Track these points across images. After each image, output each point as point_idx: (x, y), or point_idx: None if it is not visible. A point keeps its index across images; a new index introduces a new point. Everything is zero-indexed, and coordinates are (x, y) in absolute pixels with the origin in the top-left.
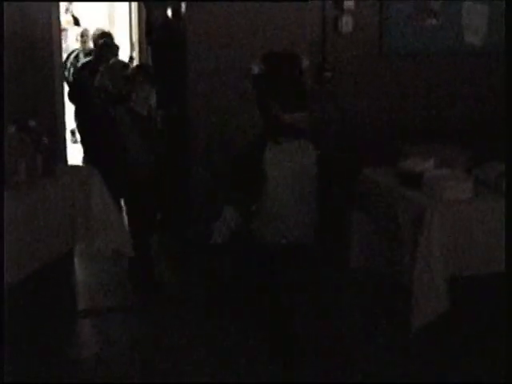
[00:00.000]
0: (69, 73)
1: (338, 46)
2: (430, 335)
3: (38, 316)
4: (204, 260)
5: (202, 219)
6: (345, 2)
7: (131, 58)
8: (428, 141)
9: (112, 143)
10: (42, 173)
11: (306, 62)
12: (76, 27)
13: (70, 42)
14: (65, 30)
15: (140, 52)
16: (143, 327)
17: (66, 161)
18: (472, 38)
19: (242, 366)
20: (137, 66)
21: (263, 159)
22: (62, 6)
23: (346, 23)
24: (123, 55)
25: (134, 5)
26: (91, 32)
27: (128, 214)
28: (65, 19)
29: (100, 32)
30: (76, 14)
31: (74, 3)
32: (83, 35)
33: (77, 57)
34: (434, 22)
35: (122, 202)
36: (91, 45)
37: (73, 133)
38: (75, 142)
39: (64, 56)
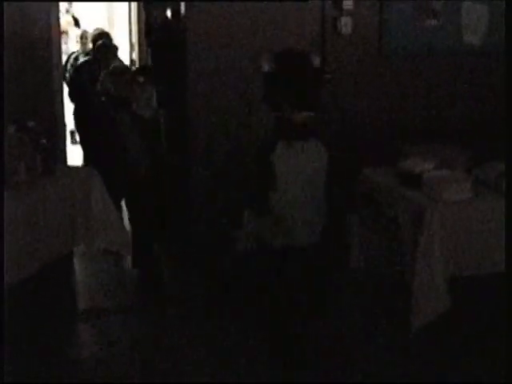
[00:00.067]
0: (69, 74)
1: (338, 46)
2: (429, 335)
3: (38, 316)
4: (204, 260)
5: (202, 219)
6: (344, 3)
7: (132, 62)
8: (428, 141)
9: (112, 143)
10: (41, 173)
11: (317, 60)
12: (76, 28)
13: (71, 45)
14: (66, 32)
15: (140, 53)
16: (143, 327)
17: (65, 161)
18: (472, 38)
19: (242, 366)
20: (137, 67)
21: (273, 158)
22: (63, 6)
23: (346, 24)
24: (123, 56)
25: (134, 5)
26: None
27: (128, 214)
28: (65, 20)
29: (98, 32)
30: (76, 15)
31: (74, 4)
32: (82, 37)
33: (77, 58)
34: (433, 22)
35: (123, 203)
36: (91, 46)
37: (72, 134)
38: (75, 143)
39: (64, 58)
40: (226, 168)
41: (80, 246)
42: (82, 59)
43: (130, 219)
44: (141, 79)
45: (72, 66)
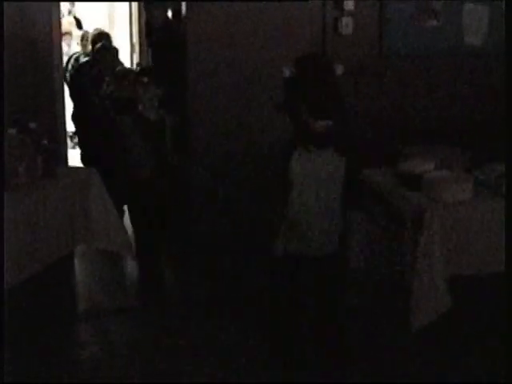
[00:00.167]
0: (70, 75)
1: (339, 46)
2: (429, 335)
3: (38, 316)
4: (204, 260)
5: (201, 219)
6: (345, 3)
7: (138, 64)
8: (428, 141)
9: (114, 145)
10: (42, 174)
11: (339, 69)
12: (78, 29)
13: (74, 46)
14: (69, 33)
15: (140, 53)
16: (143, 327)
17: (66, 162)
18: (472, 39)
19: (242, 366)
20: (140, 68)
21: (290, 165)
22: (65, 7)
23: (346, 24)
24: (124, 56)
25: (134, 6)
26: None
27: (130, 214)
28: (67, 21)
29: (97, 32)
30: (78, 16)
31: (76, 5)
32: (83, 38)
33: (77, 59)
34: (434, 22)
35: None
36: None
37: (71, 137)
38: (74, 147)
39: (65, 59)
40: (225, 168)
41: (80, 246)
42: (82, 60)
43: (131, 220)
44: (145, 80)
45: (73, 66)
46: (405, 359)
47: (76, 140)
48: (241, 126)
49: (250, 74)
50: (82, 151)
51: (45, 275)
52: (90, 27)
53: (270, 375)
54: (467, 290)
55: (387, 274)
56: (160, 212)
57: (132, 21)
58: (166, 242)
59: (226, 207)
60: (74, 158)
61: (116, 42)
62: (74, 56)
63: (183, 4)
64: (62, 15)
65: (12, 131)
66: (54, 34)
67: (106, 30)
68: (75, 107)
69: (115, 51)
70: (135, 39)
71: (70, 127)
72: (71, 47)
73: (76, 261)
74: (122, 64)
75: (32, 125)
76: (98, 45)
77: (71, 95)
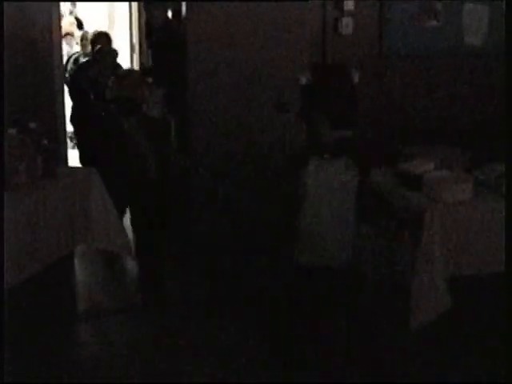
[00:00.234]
0: (69, 75)
1: (339, 46)
2: (429, 335)
3: (38, 316)
4: (204, 260)
5: (202, 219)
6: (345, 3)
7: (146, 69)
8: (428, 141)
9: (115, 146)
10: (42, 174)
11: (356, 75)
12: (78, 30)
13: (75, 47)
14: (71, 34)
15: (140, 53)
16: (143, 327)
17: (66, 162)
18: (472, 39)
19: (242, 366)
20: (143, 69)
21: (303, 174)
22: (66, 8)
23: (347, 25)
24: (124, 57)
25: (134, 6)
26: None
27: (131, 215)
28: (68, 21)
29: (97, 32)
30: (79, 17)
31: (78, 6)
32: (83, 38)
33: (77, 59)
34: (434, 22)
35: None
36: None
37: (71, 138)
38: (74, 147)
39: (65, 59)
40: (225, 168)
41: (80, 246)
42: (82, 60)
43: (132, 220)
44: (149, 80)
45: (72, 67)
46: (405, 359)
47: (75, 141)
48: (241, 126)
49: (249, 74)
50: (80, 152)
51: (45, 275)
52: (90, 27)
53: (270, 375)
54: (467, 289)
55: (387, 274)
56: (160, 212)
57: (132, 21)
58: (166, 241)
59: (226, 207)
60: (74, 158)
61: (116, 42)
62: (74, 56)
63: (183, 4)
64: (62, 15)
65: (12, 131)
66: (54, 34)
67: (106, 30)
68: (74, 108)
69: (115, 53)
70: (135, 39)
71: (70, 127)
72: (73, 48)
73: (76, 261)
74: (120, 67)
75: (32, 125)
76: (97, 47)
77: (70, 95)
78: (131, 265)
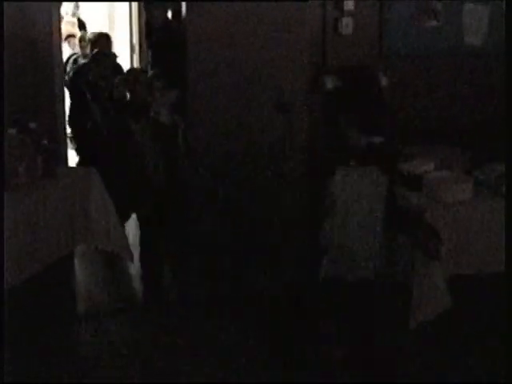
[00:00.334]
0: (68, 77)
1: (339, 47)
2: (429, 335)
3: (39, 316)
4: (204, 260)
5: (201, 219)
6: (345, 3)
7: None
8: (428, 141)
9: (120, 148)
10: (42, 174)
11: (384, 78)
12: (79, 31)
13: (77, 49)
14: (74, 35)
15: (140, 54)
16: (143, 327)
17: (66, 162)
18: (472, 39)
19: (242, 366)
20: (153, 71)
21: (330, 184)
22: (69, 9)
23: (347, 25)
24: (124, 57)
25: (134, 6)
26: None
27: (138, 218)
28: (70, 22)
29: (97, 33)
30: (82, 18)
31: (80, 6)
32: (82, 39)
33: (76, 61)
34: (434, 22)
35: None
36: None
37: (71, 140)
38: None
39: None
40: (225, 168)
41: (80, 246)
42: (81, 62)
43: (140, 224)
44: (159, 84)
45: (71, 69)
46: (405, 359)
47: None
48: (241, 126)
49: (249, 74)
50: (79, 156)
51: (45, 275)
52: (90, 28)
53: (270, 375)
54: (467, 289)
55: (387, 274)
56: (159, 209)
57: (132, 21)
58: (164, 239)
59: (226, 207)
60: (74, 158)
61: (116, 43)
62: (73, 57)
63: (183, 4)
64: (63, 16)
65: (12, 131)
66: (54, 35)
67: (106, 30)
68: (72, 110)
69: (114, 57)
70: (135, 40)
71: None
72: (75, 50)
73: (76, 261)
74: (120, 67)
75: (32, 125)
76: (95, 50)
77: (70, 96)
78: (131, 265)
